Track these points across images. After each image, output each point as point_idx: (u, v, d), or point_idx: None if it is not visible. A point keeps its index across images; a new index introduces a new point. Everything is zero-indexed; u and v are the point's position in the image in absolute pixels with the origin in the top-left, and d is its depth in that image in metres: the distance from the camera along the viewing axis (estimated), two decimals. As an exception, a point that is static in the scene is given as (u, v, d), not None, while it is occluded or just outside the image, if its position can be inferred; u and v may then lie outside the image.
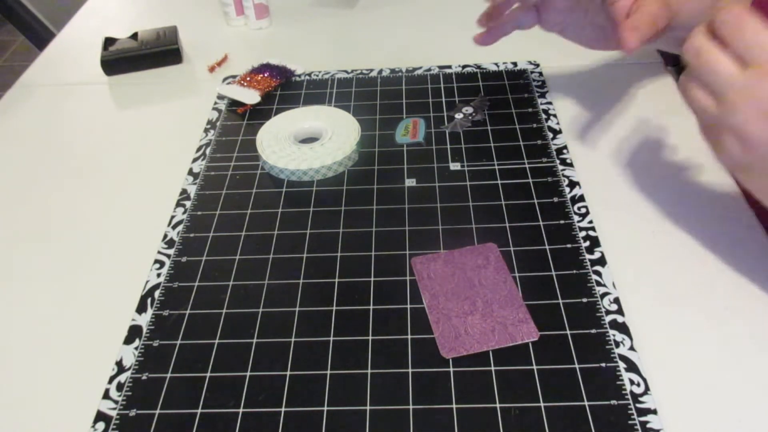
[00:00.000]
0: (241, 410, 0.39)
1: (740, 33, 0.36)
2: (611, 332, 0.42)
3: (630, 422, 0.37)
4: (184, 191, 0.56)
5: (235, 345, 0.43)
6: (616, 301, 0.44)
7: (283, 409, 0.39)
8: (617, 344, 0.41)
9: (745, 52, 0.36)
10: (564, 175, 0.54)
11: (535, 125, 0.60)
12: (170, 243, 0.51)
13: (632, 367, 0.40)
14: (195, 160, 0.60)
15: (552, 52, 0.70)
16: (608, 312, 0.43)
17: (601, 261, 0.47)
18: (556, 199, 0.52)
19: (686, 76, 0.40)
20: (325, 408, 0.39)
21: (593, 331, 0.42)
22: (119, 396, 0.40)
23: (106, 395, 0.40)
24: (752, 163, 0.38)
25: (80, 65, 0.77)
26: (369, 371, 0.41)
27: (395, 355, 0.42)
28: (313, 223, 0.52)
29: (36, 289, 0.49)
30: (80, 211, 0.55)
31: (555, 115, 0.61)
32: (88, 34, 0.83)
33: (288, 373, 0.41)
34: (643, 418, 0.37)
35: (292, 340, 0.43)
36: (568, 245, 0.48)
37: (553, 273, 0.46)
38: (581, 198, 0.52)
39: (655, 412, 0.37)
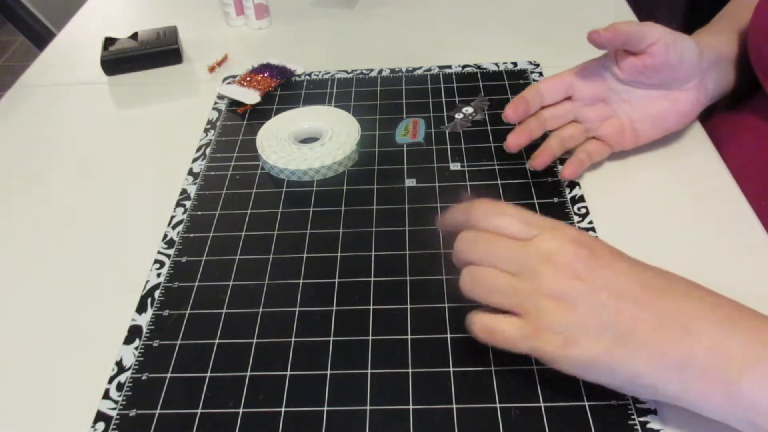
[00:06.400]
0: (241, 410, 0.39)
1: (506, 218, 0.37)
2: (611, 332, 0.42)
3: (630, 422, 0.37)
4: (184, 191, 0.56)
5: (235, 345, 0.43)
6: (616, 301, 0.44)
7: (283, 409, 0.39)
8: (617, 344, 0.41)
9: (521, 233, 0.37)
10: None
11: (535, 125, 0.60)
12: (170, 243, 0.51)
13: (632, 367, 0.40)
14: (195, 160, 0.60)
15: (552, 52, 0.70)
16: (608, 312, 0.43)
17: (601, 261, 0.47)
18: (556, 199, 0.52)
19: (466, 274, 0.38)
20: (325, 408, 0.39)
21: (593, 331, 0.42)
22: (119, 396, 0.40)
23: (106, 395, 0.40)
24: (584, 324, 0.34)
25: (80, 65, 0.77)
26: (369, 371, 0.41)
27: (395, 355, 0.42)
28: (313, 223, 0.52)
29: (36, 289, 0.49)
30: (80, 211, 0.55)
31: (555, 115, 0.61)
32: (88, 34, 0.84)
33: (288, 373, 0.41)
34: (643, 418, 0.37)
35: (292, 340, 0.43)
36: (568, 245, 0.48)
37: (553, 273, 0.46)
38: (581, 198, 0.52)
39: (655, 412, 0.37)
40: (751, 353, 0.32)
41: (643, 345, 0.33)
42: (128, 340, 0.44)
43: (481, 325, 0.37)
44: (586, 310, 0.34)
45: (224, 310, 0.45)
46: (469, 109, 0.63)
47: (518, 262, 0.36)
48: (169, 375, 0.41)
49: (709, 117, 0.65)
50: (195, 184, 0.57)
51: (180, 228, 0.52)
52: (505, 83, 0.66)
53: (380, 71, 0.70)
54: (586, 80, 0.52)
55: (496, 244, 0.37)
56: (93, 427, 0.39)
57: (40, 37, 1.29)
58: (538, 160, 0.52)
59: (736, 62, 0.57)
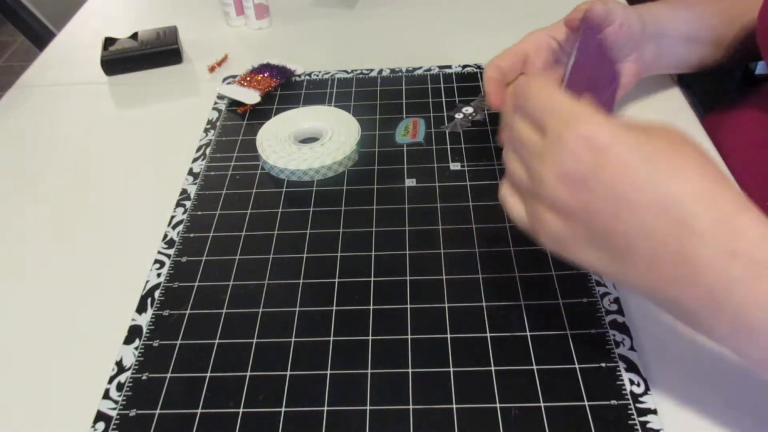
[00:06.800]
0: (241, 410, 0.39)
1: (531, 101, 0.35)
2: (611, 332, 0.42)
3: (630, 422, 0.37)
4: (184, 191, 0.56)
5: (235, 345, 0.43)
6: (616, 301, 0.44)
7: (283, 409, 0.39)
8: (617, 344, 0.41)
9: (540, 119, 0.35)
10: (564, 175, 0.54)
11: (535, 125, 0.60)
12: (170, 243, 0.51)
13: (632, 367, 0.40)
14: (195, 160, 0.60)
15: (552, 52, 0.70)
16: (608, 312, 0.43)
17: (601, 261, 0.47)
18: (556, 199, 0.52)
19: (505, 148, 0.39)
20: (325, 408, 0.39)
21: (593, 331, 0.42)
22: (119, 396, 0.40)
23: (106, 395, 0.40)
24: (577, 234, 0.34)
25: (80, 65, 0.77)
26: (369, 371, 0.41)
27: (395, 355, 0.41)
28: (313, 223, 0.52)
29: (36, 289, 0.49)
30: (80, 211, 0.55)
31: (555, 115, 0.61)
32: (88, 34, 0.84)
33: (288, 373, 0.41)
34: (643, 418, 0.37)
35: (292, 340, 0.43)
36: (568, 245, 0.48)
37: (553, 273, 0.46)
38: (581, 198, 0.52)
39: (655, 412, 0.37)
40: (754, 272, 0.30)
41: (637, 266, 0.32)
42: (128, 340, 0.44)
43: (500, 194, 0.38)
44: (580, 226, 0.33)
45: (224, 310, 0.45)
46: (469, 109, 0.63)
47: (526, 158, 0.35)
48: (169, 375, 0.41)
49: (709, 115, 0.65)
50: (195, 184, 0.57)
51: (180, 228, 0.52)
52: (505, 83, 0.66)
53: (380, 71, 0.70)
54: (538, 54, 0.53)
55: (513, 133, 0.36)
56: (93, 427, 0.39)
57: (40, 37, 1.29)
58: (492, 97, 0.52)
59: (691, 38, 0.57)
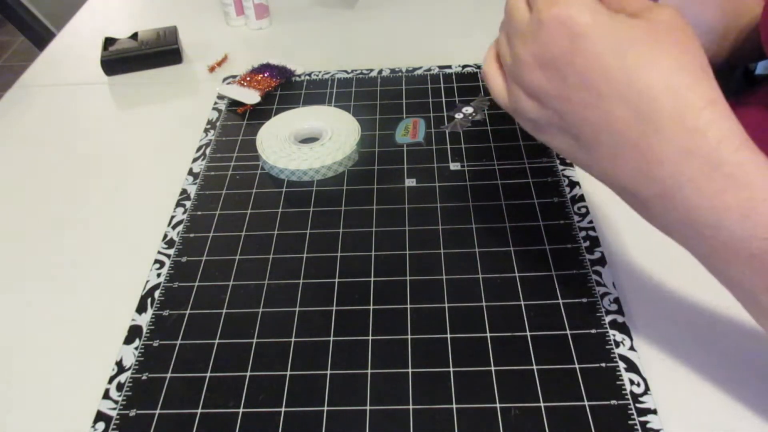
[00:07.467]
0: (241, 410, 0.39)
1: None
2: (611, 332, 0.42)
3: (630, 422, 0.37)
4: (184, 191, 0.56)
5: (235, 345, 0.43)
6: (616, 301, 0.44)
7: (283, 409, 0.39)
8: (617, 344, 0.41)
9: None
10: (564, 175, 0.54)
11: (535, 125, 0.60)
12: (170, 243, 0.51)
13: (632, 367, 0.40)
14: (195, 160, 0.60)
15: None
16: (608, 312, 0.43)
17: (601, 261, 0.47)
18: (556, 199, 0.52)
19: (502, 21, 0.37)
20: (325, 408, 0.39)
21: (593, 331, 0.42)
22: (119, 396, 0.40)
23: (106, 395, 0.40)
24: (549, 119, 0.34)
25: (80, 65, 0.77)
26: (369, 371, 0.41)
27: (395, 355, 0.41)
28: (313, 223, 0.52)
29: (36, 289, 0.49)
30: (80, 211, 0.55)
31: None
32: (88, 34, 0.84)
33: (288, 373, 0.41)
34: (643, 418, 0.37)
35: (292, 340, 0.43)
36: (568, 245, 0.48)
37: (553, 273, 0.46)
38: (581, 198, 0.52)
39: (655, 412, 0.37)
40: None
41: (602, 156, 0.32)
42: (128, 340, 0.44)
43: (483, 67, 0.38)
44: (553, 112, 0.33)
45: (224, 310, 0.45)
46: (469, 109, 0.63)
47: (511, 35, 0.34)
48: (169, 375, 0.41)
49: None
50: (195, 184, 0.57)
51: (180, 228, 0.52)
52: (505, 83, 0.66)
53: (380, 71, 0.70)
54: None
55: (507, 4, 0.35)
56: (93, 427, 0.39)
57: (40, 37, 1.29)
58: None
59: None
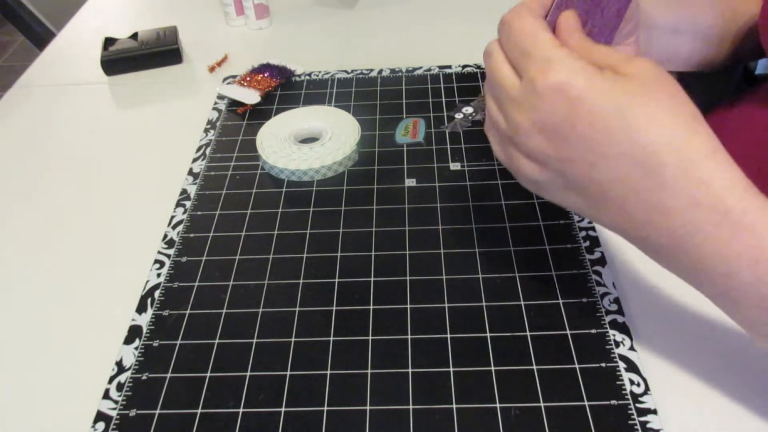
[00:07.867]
0: (241, 410, 0.39)
1: (511, 39, 0.34)
2: (611, 332, 0.42)
3: (630, 422, 0.37)
4: (184, 191, 0.56)
5: (235, 345, 0.43)
6: (616, 301, 0.44)
7: (283, 409, 0.39)
8: (617, 344, 0.41)
9: (517, 62, 0.34)
10: (564, 175, 0.54)
11: (535, 125, 0.60)
12: (170, 243, 0.51)
13: (632, 367, 0.40)
14: (195, 160, 0.60)
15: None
16: (608, 312, 0.43)
17: (601, 261, 0.47)
18: (556, 199, 0.52)
19: (486, 84, 0.37)
20: (325, 408, 0.39)
21: (593, 331, 0.42)
22: (119, 396, 0.40)
23: (106, 395, 0.40)
24: (553, 180, 0.34)
25: (80, 65, 0.77)
26: (369, 371, 0.41)
27: (395, 355, 0.41)
28: (313, 223, 0.52)
29: (36, 289, 0.49)
30: (80, 211, 0.55)
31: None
32: (88, 34, 0.84)
33: (288, 373, 0.41)
34: (643, 418, 0.37)
35: (292, 340, 0.43)
36: (568, 245, 0.48)
37: (553, 273, 0.46)
38: (581, 198, 0.52)
39: (655, 412, 0.37)
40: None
41: (610, 210, 0.33)
42: (128, 340, 0.44)
43: (485, 128, 0.38)
44: (556, 174, 0.34)
45: (224, 310, 0.45)
46: (469, 109, 0.63)
47: (503, 102, 0.35)
48: (169, 375, 0.41)
49: (709, 115, 0.65)
50: (195, 184, 0.57)
51: (180, 228, 0.52)
52: (505, 83, 0.66)
53: (380, 71, 0.70)
54: None
55: (492, 72, 0.36)
56: (93, 427, 0.39)
57: (40, 37, 1.29)
58: None
59: (677, 30, 0.57)
